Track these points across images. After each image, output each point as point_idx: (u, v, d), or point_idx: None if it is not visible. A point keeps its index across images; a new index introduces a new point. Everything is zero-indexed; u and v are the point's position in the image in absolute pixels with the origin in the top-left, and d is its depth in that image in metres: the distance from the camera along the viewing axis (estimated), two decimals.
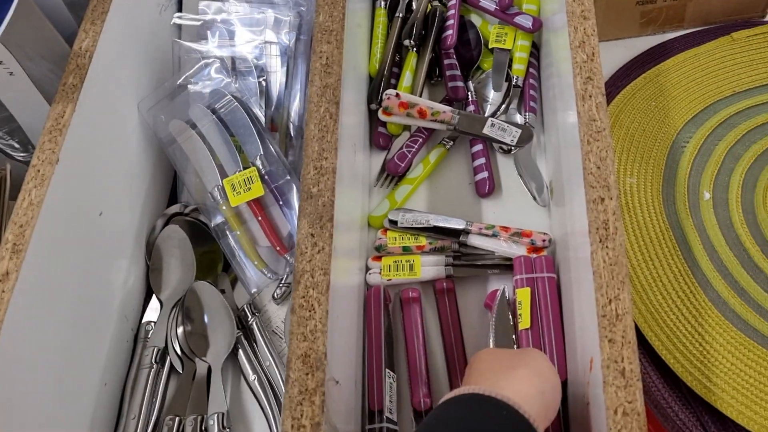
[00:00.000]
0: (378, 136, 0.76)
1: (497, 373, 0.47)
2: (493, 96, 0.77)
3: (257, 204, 0.68)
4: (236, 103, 0.69)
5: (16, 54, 0.55)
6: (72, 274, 0.58)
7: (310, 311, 0.47)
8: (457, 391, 0.45)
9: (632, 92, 0.73)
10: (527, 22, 0.78)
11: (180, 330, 0.66)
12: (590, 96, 0.55)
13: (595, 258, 0.48)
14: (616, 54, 0.80)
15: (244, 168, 0.68)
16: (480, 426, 0.42)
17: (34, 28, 0.58)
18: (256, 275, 0.68)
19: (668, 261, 0.62)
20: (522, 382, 0.46)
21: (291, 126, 0.74)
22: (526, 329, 0.60)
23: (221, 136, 0.69)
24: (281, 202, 0.67)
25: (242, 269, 0.68)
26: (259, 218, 0.68)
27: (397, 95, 0.73)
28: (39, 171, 0.56)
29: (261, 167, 0.68)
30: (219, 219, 0.69)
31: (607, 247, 0.48)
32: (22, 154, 0.66)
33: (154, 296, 0.69)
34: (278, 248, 0.68)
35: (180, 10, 0.79)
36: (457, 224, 0.69)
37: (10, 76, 0.56)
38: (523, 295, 0.61)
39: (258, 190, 0.67)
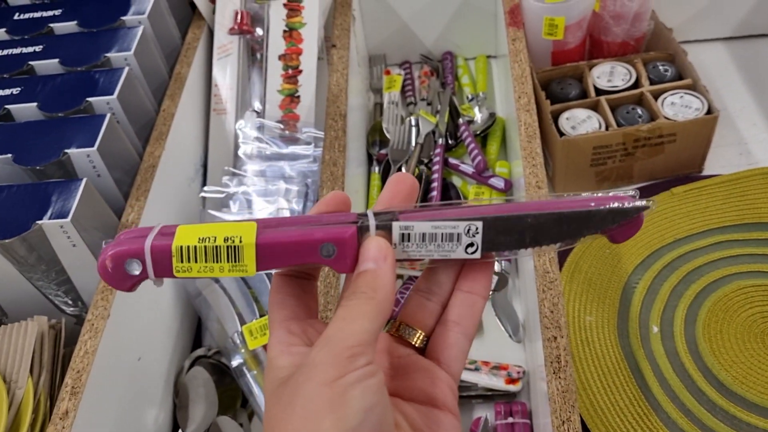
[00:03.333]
0: None
1: None
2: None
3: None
4: None
5: (79, 229, 0.68)
6: (115, 413, 0.68)
7: None
8: None
9: (590, 242, 0.86)
10: (500, 184, 0.92)
11: None
12: (544, 252, 0.67)
13: (549, 387, 0.59)
14: None
15: (261, 316, 0.80)
16: None
17: (92, 207, 0.71)
18: None
19: (624, 388, 0.72)
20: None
21: None
22: None
23: (240, 289, 0.81)
24: None
25: (259, 405, 0.78)
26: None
27: None
28: (93, 325, 0.68)
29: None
30: (238, 361, 0.80)
31: (559, 377, 0.59)
32: (72, 309, 0.78)
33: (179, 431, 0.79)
34: None
35: (205, 181, 0.94)
36: None
37: (73, 247, 0.69)
38: None
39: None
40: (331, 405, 0.31)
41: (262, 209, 0.85)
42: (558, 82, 0.98)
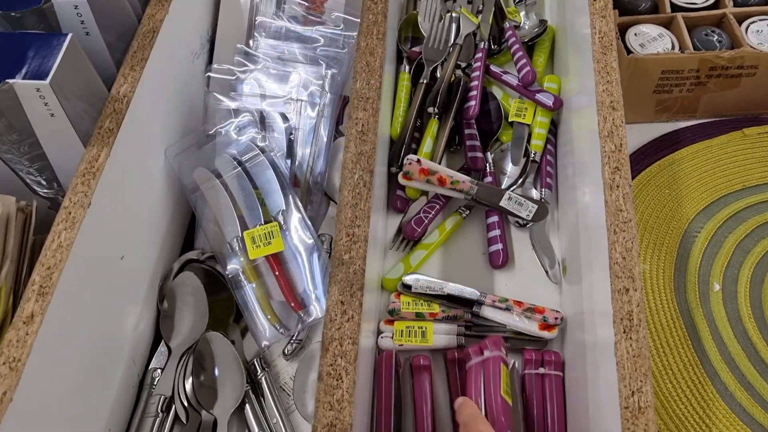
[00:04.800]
0: (396, 198, 0.78)
1: None
2: (510, 169, 0.79)
3: (275, 259, 0.68)
4: (263, 157, 0.70)
5: (59, 95, 0.56)
6: (90, 317, 0.58)
7: (337, 380, 0.48)
8: None
9: (647, 179, 0.75)
10: (548, 101, 0.80)
11: (189, 380, 0.65)
12: (617, 186, 0.56)
13: (618, 348, 0.49)
14: (631, 138, 0.82)
15: (266, 222, 0.69)
16: None
17: (77, 70, 0.58)
18: (268, 329, 0.68)
19: (678, 349, 0.63)
20: None
21: (311, 181, 0.75)
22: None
23: (245, 188, 0.70)
24: (300, 260, 0.68)
25: (254, 322, 0.69)
26: (276, 273, 0.68)
27: (419, 161, 0.75)
28: (70, 213, 0.56)
29: (283, 223, 0.68)
30: (235, 269, 0.69)
31: (630, 338, 0.49)
32: (46, 191, 0.66)
33: (162, 342, 0.69)
34: (293, 304, 0.68)
35: (211, 58, 0.80)
36: (471, 295, 0.69)
37: (51, 117, 0.57)
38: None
39: (278, 245, 0.67)
40: None
41: (275, 100, 0.72)
42: None
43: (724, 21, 0.81)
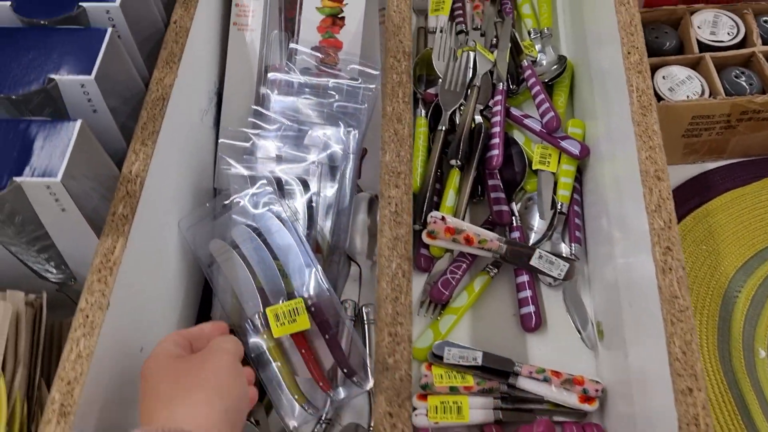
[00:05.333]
0: (420, 257, 0.74)
1: (173, 399, 0.46)
2: (537, 223, 0.76)
3: (301, 336, 0.65)
4: (283, 227, 0.66)
5: (71, 191, 0.51)
6: (114, 425, 0.54)
7: None
8: None
9: (683, 234, 0.72)
10: (575, 149, 0.77)
11: None
12: (670, 269, 0.53)
13: None
14: None
15: (288, 294, 0.65)
16: None
17: (88, 157, 0.54)
18: (296, 409, 0.65)
19: (729, 427, 0.60)
20: (201, 407, 0.45)
21: (331, 244, 0.71)
22: None
23: (265, 260, 0.66)
24: (327, 336, 0.64)
25: (280, 401, 0.65)
26: (303, 351, 0.65)
27: (443, 219, 0.71)
28: (88, 317, 0.52)
29: (308, 298, 0.65)
30: (257, 346, 0.65)
31: None
32: (55, 275, 0.62)
33: None
34: (321, 383, 0.64)
35: (219, 111, 0.76)
36: (507, 365, 0.66)
37: (62, 212, 0.53)
38: None
39: (304, 323, 0.64)
40: (235, 373, 0.49)
41: (292, 165, 0.68)
42: (652, 29, 0.82)
43: (752, 60, 0.78)
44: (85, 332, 0.51)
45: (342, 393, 0.65)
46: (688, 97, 0.75)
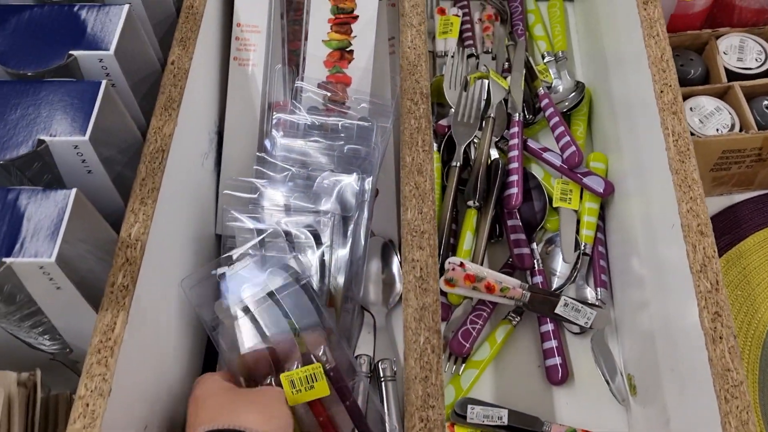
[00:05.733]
0: None
1: (235, 407, 0.51)
2: (561, 266, 0.72)
3: (319, 404, 0.60)
4: (296, 285, 0.61)
5: (66, 271, 0.47)
6: None
7: None
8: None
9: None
10: (598, 187, 0.73)
11: None
12: (721, 338, 0.49)
13: None
14: None
15: (303, 356, 0.60)
16: None
17: (83, 228, 0.49)
18: None
19: None
20: (262, 416, 0.51)
21: (341, 296, 0.67)
22: None
23: (276, 321, 0.61)
24: (348, 403, 0.60)
25: None
26: (321, 419, 0.60)
27: (462, 265, 0.67)
28: (88, 406, 0.47)
29: (325, 362, 0.60)
30: None
31: None
32: (49, 346, 0.57)
33: None
34: None
35: (219, 155, 0.71)
36: (535, 425, 0.63)
37: (57, 290, 0.48)
38: None
39: (323, 389, 0.59)
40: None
41: (301, 217, 0.64)
42: (677, 56, 0.77)
43: None
44: (85, 423, 0.47)
45: None
46: (718, 130, 0.71)
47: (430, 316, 0.51)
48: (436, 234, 0.55)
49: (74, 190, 0.48)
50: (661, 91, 0.62)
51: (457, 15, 0.90)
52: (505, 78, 0.82)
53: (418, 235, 0.54)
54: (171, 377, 0.60)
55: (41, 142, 0.50)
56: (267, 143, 0.66)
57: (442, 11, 0.91)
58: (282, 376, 0.59)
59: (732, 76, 0.76)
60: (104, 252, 0.53)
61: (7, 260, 0.45)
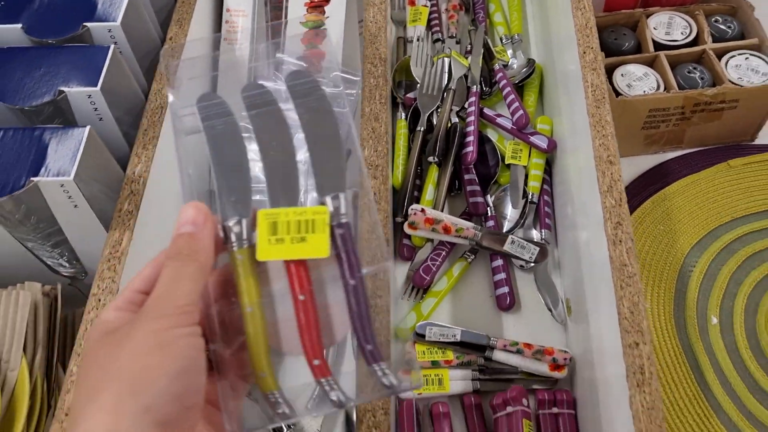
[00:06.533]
0: (403, 247, 0.80)
1: (83, 405, 0.35)
2: (510, 212, 0.82)
3: (303, 272, 0.39)
4: (322, 96, 0.46)
5: (82, 188, 0.58)
6: None
7: None
8: None
9: (642, 216, 0.79)
10: (542, 143, 0.83)
11: None
12: (620, 241, 0.60)
13: (633, 402, 0.52)
14: (623, 171, 0.86)
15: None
16: None
17: (96, 160, 0.60)
18: (250, 409, 0.40)
19: (683, 385, 0.66)
20: (104, 416, 0.34)
21: None
22: None
23: (282, 141, 0.44)
24: (353, 282, 0.39)
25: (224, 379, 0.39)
26: (301, 297, 0.39)
27: (423, 211, 0.78)
28: (100, 300, 0.58)
29: (334, 212, 0.41)
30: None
31: (644, 391, 0.53)
32: (68, 270, 0.68)
33: None
34: (315, 363, 0.39)
35: None
36: (483, 340, 0.73)
37: (74, 208, 0.59)
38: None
39: (319, 246, 0.39)
40: (159, 347, 0.35)
41: None
42: (611, 31, 0.88)
43: (704, 57, 0.85)
44: (97, 314, 0.58)
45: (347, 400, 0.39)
46: (644, 92, 0.82)
47: (381, 229, 0.61)
48: (388, 168, 0.65)
49: (88, 127, 0.59)
50: (584, 52, 0.73)
51: (425, 5, 1.02)
52: (466, 58, 0.94)
53: (373, 167, 0.65)
54: None
55: (61, 92, 0.61)
56: None
57: (412, 2, 1.03)
58: (260, 212, 0.40)
59: (660, 47, 0.87)
60: (113, 191, 0.64)
61: (35, 179, 0.56)
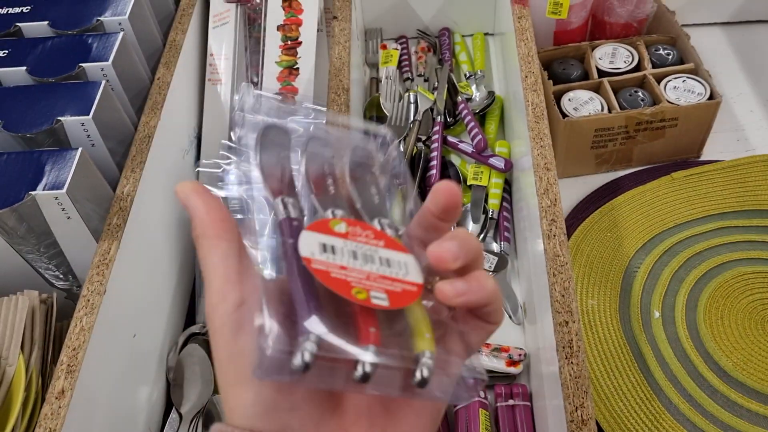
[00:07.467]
0: None
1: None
2: (472, 228, 0.89)
3: None
4: None
5: (74, 201, 0.65)
6: (110, 390, 0.66)
7: None
8: None
9: (591, 224, 0.85)
10: (500, 164, 0.91)
11: None
12: (554, 236, 0.66)
13: (562, 372, 0.58)
14: (576, 189, 0.93)
15: None
16: None
17: (87, 178, 0.68)
18: None
19: (627, 372, 0.72)
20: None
21: None
22: None
23: None
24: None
25: None
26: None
27: None
28: (89, 301, 0.65)
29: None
30: None
31: (572, 362, 0.58)
32: (62, 283, 0.75)
33: (173, 409, 0.77)
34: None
35: (199, 154, 0.91)
36: None
37: (67, 219, 0.67)
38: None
39: None
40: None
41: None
42: (560, 62, 0.97)
43: (645, 81, 0.93)
44: (86, 312, 0.64)
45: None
46: (589, 113, 0.90)
47: None
48: None
49: (80, 149, 0.67)
50: (526, 77, 0.81)
51: (396, 49, 1.11)
52: (432, 93, 1.02)
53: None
54: (158, 302, 0.77)
55: (58, 120, 0.70)
56: (232, 134, 0.86)
57: (384, 47, 1.13)
58: None
59: (604, 75, 0.95)
60: (104, 210, 0.72)
61: (32, 193, 0.64)
